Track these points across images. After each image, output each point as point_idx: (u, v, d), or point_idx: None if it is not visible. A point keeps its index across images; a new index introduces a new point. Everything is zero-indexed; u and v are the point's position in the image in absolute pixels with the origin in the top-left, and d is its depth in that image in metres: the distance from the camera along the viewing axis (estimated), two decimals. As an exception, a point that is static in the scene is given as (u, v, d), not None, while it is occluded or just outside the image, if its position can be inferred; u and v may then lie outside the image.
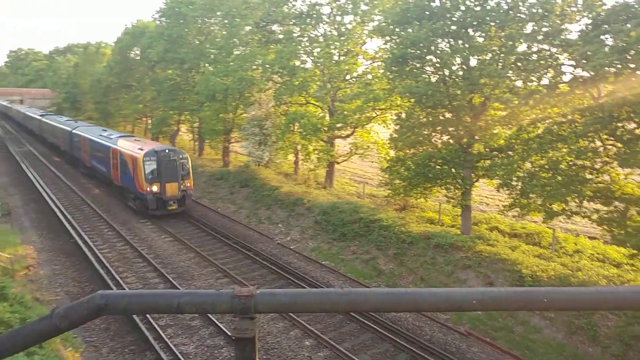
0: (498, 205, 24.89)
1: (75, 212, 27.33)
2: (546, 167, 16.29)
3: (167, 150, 25.93)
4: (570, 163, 15.72)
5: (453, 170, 19.89)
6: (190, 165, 26.58)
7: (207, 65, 38.94)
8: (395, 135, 21.47)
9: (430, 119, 20.35)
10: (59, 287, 17.08)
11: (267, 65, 30.92)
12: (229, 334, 13.51)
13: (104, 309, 3.84)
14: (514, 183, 17.45)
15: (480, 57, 19.01)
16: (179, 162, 25.70)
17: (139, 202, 26.24)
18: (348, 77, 29.56)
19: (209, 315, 14.58)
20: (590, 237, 20.14)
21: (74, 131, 39.72)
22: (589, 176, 15.36)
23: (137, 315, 13.88)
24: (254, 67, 32.96)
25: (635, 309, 9.52)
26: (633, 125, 14.35)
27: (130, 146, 27.75)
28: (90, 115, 66.31)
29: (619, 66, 13.61)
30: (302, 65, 30.08)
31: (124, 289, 16.87)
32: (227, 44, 35.58)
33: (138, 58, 51.34)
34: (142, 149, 26.01)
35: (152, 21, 47.36)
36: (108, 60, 59.42)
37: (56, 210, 26.98)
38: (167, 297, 4.27)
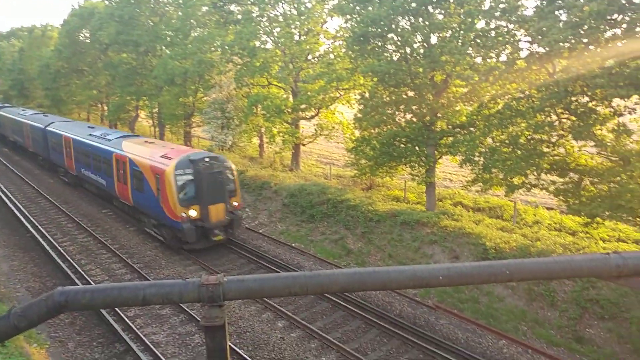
0: (461, 181, 25.53)
1: (30, 205, 26.19)
2: (506, 142, 16.71)
3: (207, 159, 18.66)
4: (529, 137, 16.19)
5: (417, 148, 20.18)
6: (237, 177, 20.02)
7: (163, 48, 37.66)
8: (359, 115, 21.52)
9: (394, 97, 20.46)
10: (18, 284, 16.42)
11: (227, 47, 30.21)
12: (200, 320, 13.42)
13: (65, 306, 3.71)
14: (476, 159, 17.86)
15: (440, 35, 19.16)
16: (225, 173, 18.98)
17: (167, 232, 19.20)
18: (310, 57, 29.26)
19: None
20: (548, 208, 21.00)
21: (49, 129, 31.70)
22: (546, 149, 15.88)
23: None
24: (213, 49, 32.15)
25: (591, 276, 10.00)
26: (586, 99, 14.87)
27: (145, 152, 20.55)
28: (40, 102, 63.19)
29: (573, 41, 13.98)
30: (262, 46, 29.55)
31: (89, 282, 16.40)
32: (183, 26, 34.44)
33: (88, 41, 48.94)
34: (168, 157, 18.91)
35: (101, 1, 45.20)
36: (56, 43, 56.37)
37: (9, 204, 25.76)
38: (131, 290, 4.15)
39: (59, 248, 19.38)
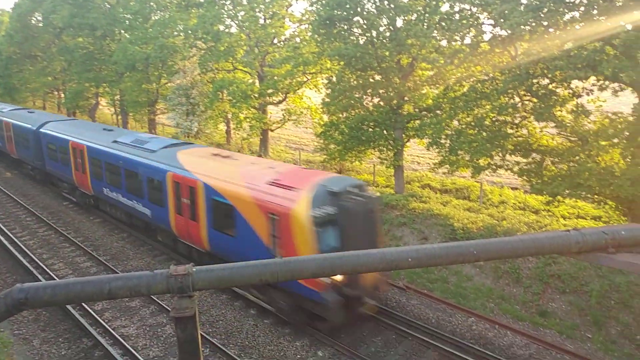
0: (429, 164, 25.91)
1: (-14, 199, 25.02)
2: (472, 124, 17.04)
3: (352, 189, 12.02)
4: (494, 119, 16.55)
5: (385, 132, 20.31)
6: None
7: (122, 32, 36.28)
8: (327, 100, 21.44)
9: (361, 81, 20.46)
10: (-25, 282, 15.73)
11: (190, 31, 29.39)
12: (170, 311, 13.19)
13: (25, 304, 3.53)
14: (442, 141, 18.14)
15: (406, 18, 19.22)
16: (375, 211, 12.37)
17: (287, 301, 12.59)
18: (276, 40, 28.84)
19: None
20: (512, 188, 21.64)
21: (44, 131, 24.66)
22: (510, 131, 16.28)
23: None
24: (175, 33, 31.19)
25: (553, 253, 10.40)
26: (546, 81, 15.27)
27: (234, 175, 13.63)
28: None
29: (533, 24, 14.27)
30: (227, 30, 28.90)
31: (53, 277, 15.85)
32: (142, 8, 33.24)
33: (41, 25, 46.57)
34: (286, 186, 12.10)
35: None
36: (6, 28, 53.40)
37: (-37, 198, 24.53)
38: (96, 284, 4.00)
39: (19, 243, 18.63)
